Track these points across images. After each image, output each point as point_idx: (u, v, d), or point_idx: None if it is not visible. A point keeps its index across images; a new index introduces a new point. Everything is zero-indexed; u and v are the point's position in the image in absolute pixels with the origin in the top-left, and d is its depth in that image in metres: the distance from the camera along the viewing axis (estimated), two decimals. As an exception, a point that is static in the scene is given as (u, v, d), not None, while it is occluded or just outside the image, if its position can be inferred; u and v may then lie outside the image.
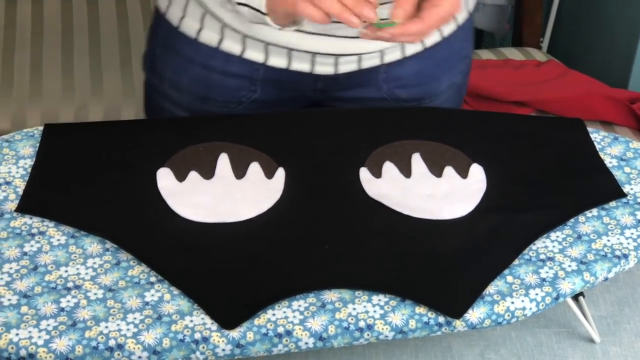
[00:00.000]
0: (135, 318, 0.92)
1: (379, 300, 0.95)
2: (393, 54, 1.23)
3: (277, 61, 1.20)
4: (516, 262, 1.00)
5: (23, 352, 0.89)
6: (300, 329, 0.93)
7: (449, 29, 1.24)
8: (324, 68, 1.21)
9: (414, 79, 1.25)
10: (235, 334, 0.92)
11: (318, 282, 0.96)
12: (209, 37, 1.21)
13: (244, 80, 1.23)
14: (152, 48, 1.30)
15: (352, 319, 0.94)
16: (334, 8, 0.98)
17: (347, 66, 1.22)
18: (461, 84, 1.33)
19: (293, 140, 1.13)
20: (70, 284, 0.96)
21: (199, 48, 1.22)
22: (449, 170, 1.10)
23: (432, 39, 1.23)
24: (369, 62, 1.22)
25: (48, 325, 0.91)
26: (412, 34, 1.01)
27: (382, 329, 0.94)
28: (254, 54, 1.20)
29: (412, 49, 1.23)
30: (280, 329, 0.92)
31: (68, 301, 0.94)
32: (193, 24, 1.21)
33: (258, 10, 1.06)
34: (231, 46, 1.20)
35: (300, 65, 1.20)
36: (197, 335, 0.91)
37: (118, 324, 0.92)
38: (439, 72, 1.27)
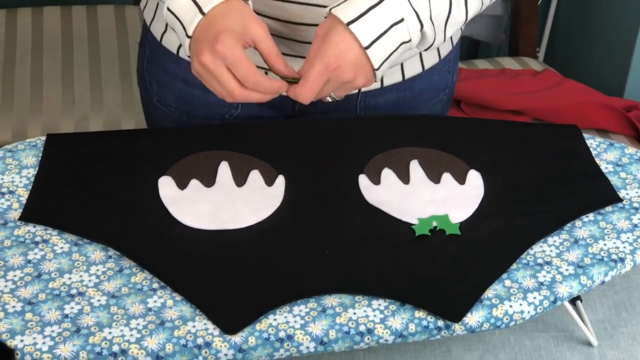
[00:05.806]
0: (138, 324, 0.94)
1: (379, 304, 0.97)
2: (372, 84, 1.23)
3: None
4: (514, 266, 1.01)
5: (28, 358, 0.90)
6: (301, 333, 0.94)
7: (430, 61, 1.23)
8: None
9: (391, 108, 1.24)
10: (237, 338, 0.93)
11: (318, 288, 0.97)
12: None
13: None
14: (141, 62, 1.29)
15: (352, 324, 0.95)
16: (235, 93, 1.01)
17: None
18: (440, 112, 1.31)
19: (293, 148, 1.14)
20: (73, 291, 0.97)
21: (180, 63, 1.21)
22: (447, 177, 1.11)
23: (413, 70, 1.22)
24: None
25: (52, 331, 0.92)
26: (297, 95, 1.01)
27: (382, 333, 0.95)
28: None
29: (390, 79, 1.21)
30: (282, 334, 0.94)
31: (72, 308, 0.95)
32: (174, 39, 1.20)
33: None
34: None
35: None
36: (200, 341, 0.92)
37: (121, 330, 0.93)
38: (418, 103, 1.25)
